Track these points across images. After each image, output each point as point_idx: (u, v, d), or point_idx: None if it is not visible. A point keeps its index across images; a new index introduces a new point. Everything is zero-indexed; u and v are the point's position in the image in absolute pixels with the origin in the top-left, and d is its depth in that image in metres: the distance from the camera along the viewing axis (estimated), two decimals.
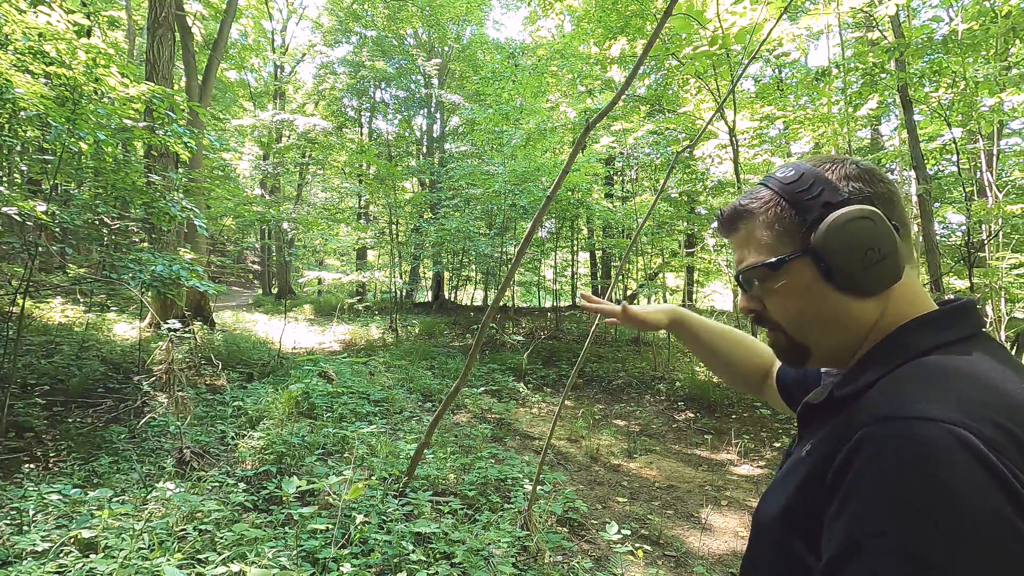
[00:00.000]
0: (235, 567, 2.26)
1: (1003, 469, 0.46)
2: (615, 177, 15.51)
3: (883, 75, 6.34)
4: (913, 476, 0.46)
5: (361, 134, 21.64)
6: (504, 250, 11.57)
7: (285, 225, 10.55)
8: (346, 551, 2.62)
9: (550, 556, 3.02)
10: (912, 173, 6.83)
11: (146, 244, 5.91)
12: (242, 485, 3.38)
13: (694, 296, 16.29)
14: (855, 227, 0.60)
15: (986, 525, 0.44)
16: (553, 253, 13.32)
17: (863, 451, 0.50)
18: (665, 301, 14.16)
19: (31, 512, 2.72)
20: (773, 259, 0.66)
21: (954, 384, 0.53)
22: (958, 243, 8.13)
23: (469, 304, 17.65)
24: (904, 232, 0.63)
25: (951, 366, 0.56)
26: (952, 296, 0.68)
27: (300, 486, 2.90)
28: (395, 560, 2.63)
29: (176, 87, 10.10)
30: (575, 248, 15.19)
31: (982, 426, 0.48)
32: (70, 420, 4.40)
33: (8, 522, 2.62)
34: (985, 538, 0.44)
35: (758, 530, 0.67)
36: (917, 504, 0.46)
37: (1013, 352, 4.96)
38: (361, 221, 18.94)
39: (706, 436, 6.00)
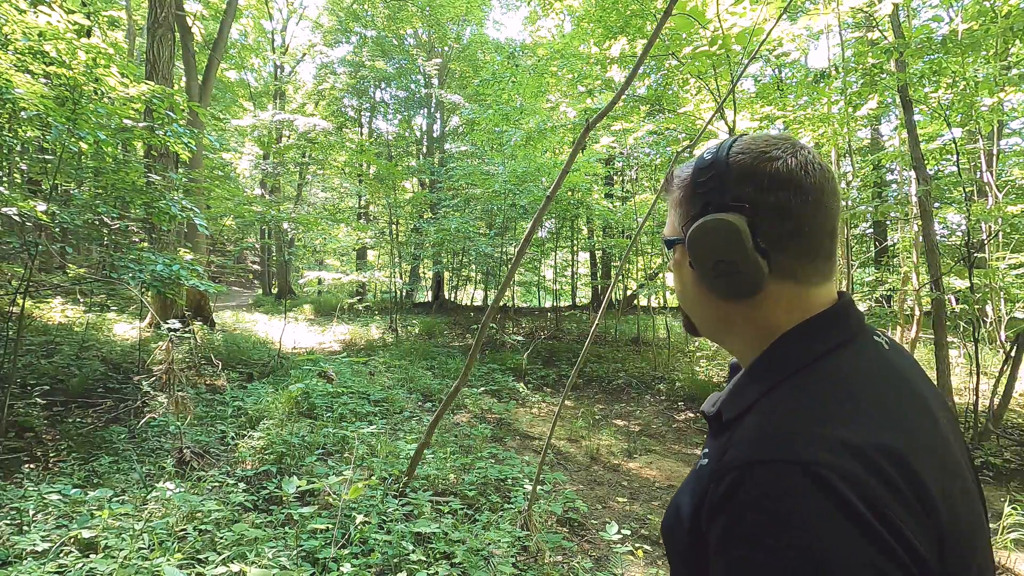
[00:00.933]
0: (235, 567, 2.26)
1: (855, 504, 0.47)
2: (615, 177, 15.51)
3: (883, 75, 6.34)
4: (774, 526, 0.48)
5: (361, 134, 21.63)
6: (504, 250, 11.57)
7: (285, 225, 10.55)
8: (346, 551, 2.62)
9: (550, 556, 3.02)
10: (912, 173, 6.83)
11: (146, 244, 5.91)
12: (242, 485, 3.38)
13: None
14: (710, 234, 0.62)
15: (840, 568, 0.46)
16: (553, 253, 13.32)
17: (732, 500, 0.52)
18: (665, 301, 14.15)
19: (31, 512, 2.72)
20: (668, 238, 0.72)
21: (814, 414, 0.54)
22: (958, 243, 8.13)
23: (469, 304, 17.65)
24: (782, 248, 0.61)
25: (822, 387, 0.57)
26: (839, 293, 0.66)
27: (300, 486, 2.90)
28: (395, 560, 2.63)
29: (176, 87, 10.10)
30: (575, 248, 15.19)
31: (837, 458, 0.49)
32: (70, 420, 4.40)
33: (8, 522, 2.62)
34: None
35: (666, 546, 0.68)
36: (778, 548, 0.47)
37: (1013, 352, 4.95)
38: (361, 221, 18.94)
39: (706, 436, 5.99)
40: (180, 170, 7.31)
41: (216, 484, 3.38)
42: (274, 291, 21.06)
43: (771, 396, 0.59)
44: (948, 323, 6.36)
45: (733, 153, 0.64)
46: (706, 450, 0.67)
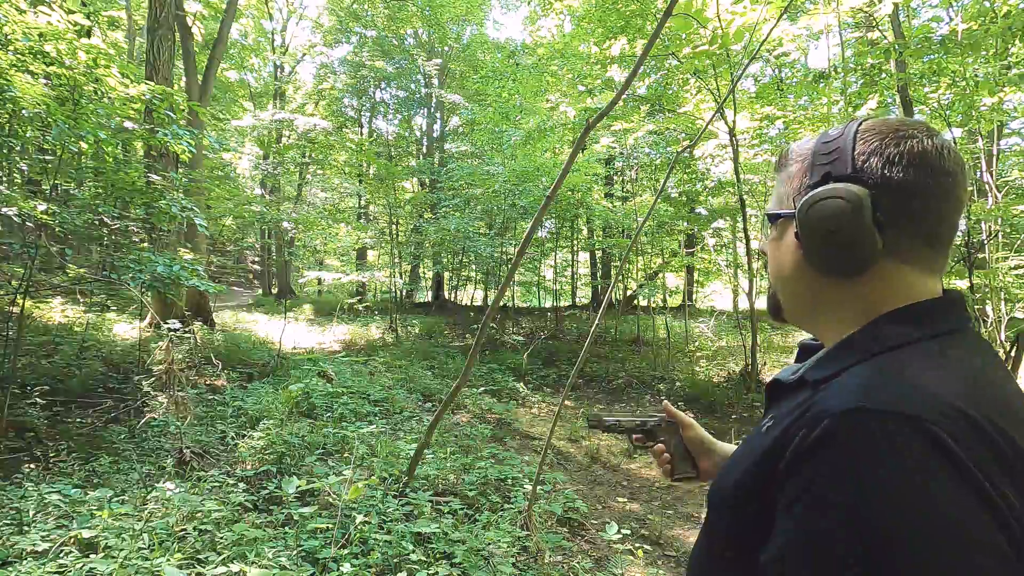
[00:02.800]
0: (235, 567, 2.26)
1: (963, 459, 0.46)
2: (615, 177, 15.50)
3: (883, 75, 6.34)
4: (876, 470, 0.47)
5: (361, 134, 21.62)
6: (504, 250, 11.57)
7: (285, 225, 10.55)
8: (346, 551, 2.62)
9: (550, 556, 3.02)
10: None
11: (146, 244, 5.91)
12: (242, 485, 3.38)
13: (694, 296, 16.28)
14: (825, 206, 0.60)
15: (945, 517, 0.45)
16: (553, 253, 13.32)
17: (827, 441, 0.50)
18: (665, 301, 14.15)
19: (31, 512, 2.72)
20: (774, 211, 0.70)
21: (923, 378, 0.53)
22: (958, 243, 8.12)
23: (469, 304, 17.64)
24: (900, 228, 0.59)
25: (924, 361, 0.55)
26: (945, 291, 0.63)
27: (300, 486, 2.90)
28: (395, 560, 2.63)
29: (176, 87, 10.10)
30: (575, 248, 15.19)
31: (946, 420, 0.48)
32: (70, 420, 4.40)
33: (8, 522, 2.62)
34: (943, 529, 0.44)
35: (711, 508, 0.67)
36: (878, 495, 0.46)
37: (1013, 352, 4.96)
38: (361, 221, 18.94)
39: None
40: (180, 170, 7.30)
41: (216, 484, 3.37)
42: (274, 291, 21.06)
43: (872, 362, 0.57)
44: None
45: (863, 129, 0.63)
46: (770, 415, 0.66)
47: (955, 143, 6.47)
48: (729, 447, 0.99)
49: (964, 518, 0.45)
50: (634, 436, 1.05)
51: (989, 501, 0.45)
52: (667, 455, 0.95)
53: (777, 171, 0.72)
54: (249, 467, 3.86)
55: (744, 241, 8.39)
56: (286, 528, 2.88)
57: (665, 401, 1.03)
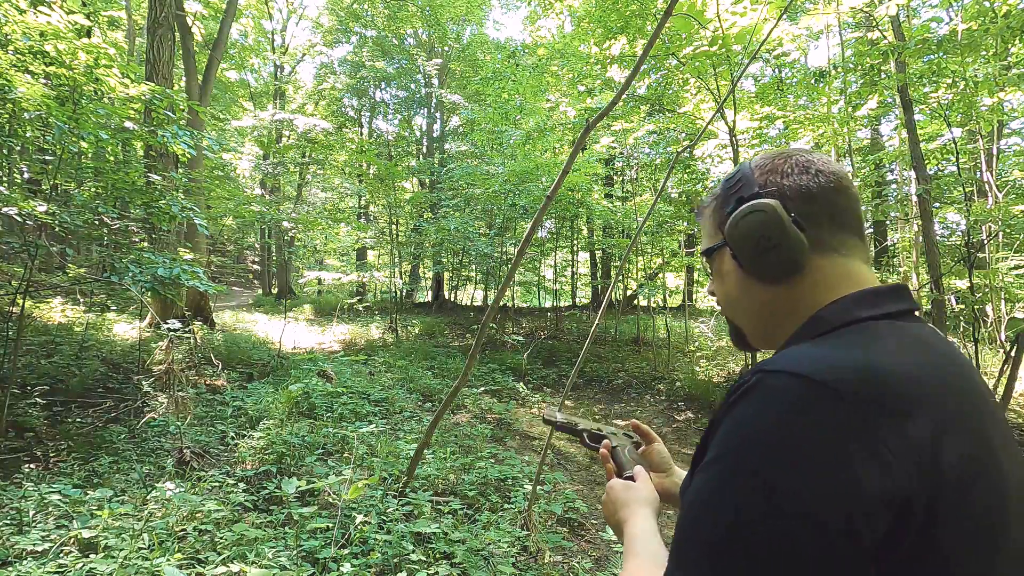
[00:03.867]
0: (235, 567, 2.26)
1: (829, 416, 0.49)
2: (615, 177, 15.51)
3: (883, 75, 6.34)
4: (763, 419, 0.51)
5: (361, 134, 21.62)
6: (504, 250, 11.57)
7: (285, 224, 10.55)
8: (346, 551, 2.62)
9: (550, 556, 3.02)
10: (912, 173, 6.83)
11: (146, 244, 5.91)
12: (242, 485, 3.38)
13: (694, 296, 16.27)
14: (748, 219, 0.66)
15: (815, 458, 0.47)
16: (553, 253, 13.32)
17: (736, 403, 0.55)
18: (665, 301, 14.16)
19: (31, 512, 2.72)
20: (706, 247, 0.76)
21: (839, 349, 0.56)
22: (958, 243, 8.13)
23: (469, 304, 17.64)
24: (816, 224, 0.65)
25: (851, 338, 0.58)
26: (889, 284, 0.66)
27: (300, 486, 2.90)
28: (395, 560, 2.63)
29: (176, 87, 10.10)
30: (575, 248, 15.19)
31: (841, 380, 0.50)
32: (70, 420, 4.40)
33: (8, 522, 2.62)
34: (810, 468, 0.47)
35: (682, 504, 0.68)
36: (763, 441, 0.50)
37: (1013, 352, 4.95)
38: (361, 221, 18.94)
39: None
40: (180, 170, 7.31)
41: (216, 484, 3.37)
42: (274, 291, 21.06)
43: (811, 341, 0.61)
44: (948, 323, 6.36)
45: (754, 161, 0.72)
46: None
47: (955, 143, 6.46)
48: (683, 472, 0.98)
49: (826, 458, 0.47)
50: (583, 439, 1.03)
51: (845, 459, 0.47)
52: (610, 463, 0.93)
53: (698, 218, 0.80)
54: (249, 467, 3.86)
55: None
56: (286, 528, 2.88)
57: (635, 421, 1.03)
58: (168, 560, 2.21)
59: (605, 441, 0.98)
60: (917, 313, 0.65)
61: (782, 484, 0.48)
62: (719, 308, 0.78)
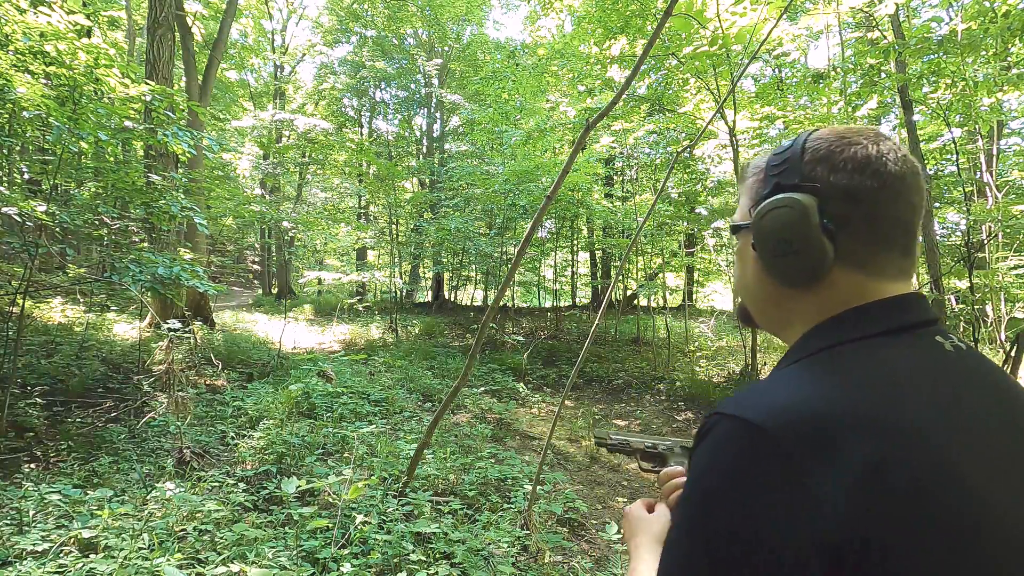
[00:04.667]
0: (235, 567, 2.26)
1: (771, 464, 0.49)
2: (615, 177, 15.51)
3: (883, 75, 6.34)
4: (709, 466, 0.53)
5: (361, 134, 21.63)
6: (504, 250, 11.57)
7: (285, 224, 10.56)
8: (346, 551, 2.62)
9: (550, 556, 3.02)
10: None
11: (146, 244, 5.91)
12: (242, 485, 3.38)
13: (694, 296, 16.27)
14: (775, 215, 0.61)
15: (752, 508, 0.48)
16: (553, 253, 13.32)
17: (697, 445, 0.56)
18: (665, 301, 14.15)
19: (31, 512, 2.72)
20: (734, 223, 0.71)
21: (797, 382, 0.55)
22: (958, 243, 8.13)
23: (469, 304, 17.65)
24: (852, 232, 0.59)
25: (813, 369, 0.56)
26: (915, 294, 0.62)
27: (300, 486, 2.90)
28: (395, 560, 2.63)
29: (176, 87, 10.10)
30: (575, 248, 15.19)
31: (780, 424, 0.50)
32: (70, 420, 4.40)
33: (8, 522, 2.62)
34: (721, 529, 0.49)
35: None
36: (712, 490, 0.52)
37: (1013, 352, 4.95)
38: (361, 221, 18.94)
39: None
40: (180, 170, 7.31)
41: (216, 484, 3.37)
42: (274, 291, 21.05)
43: (782, 370, 0.59)
44: (948, 323, 6.35)
45: (812, 138, 0.63)
46: None
47: (955, 143, 6.46)
48: None
49: (735, 523, 0.49)
50: (641, 460, 1.00)
51: (777, 508, 0.47)
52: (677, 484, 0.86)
53: (739, 184, 0.74)
54: (249, 467, 3.86)
55: None
56: (286, 528, 2.88)
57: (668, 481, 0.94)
58: (168, 560, 2.21)
59: (667, 470, 0.92)
60: (928, 325, 0.60)
61: (723, 532, 0.50)
62: (732, 292, 0.77)
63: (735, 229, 0.71)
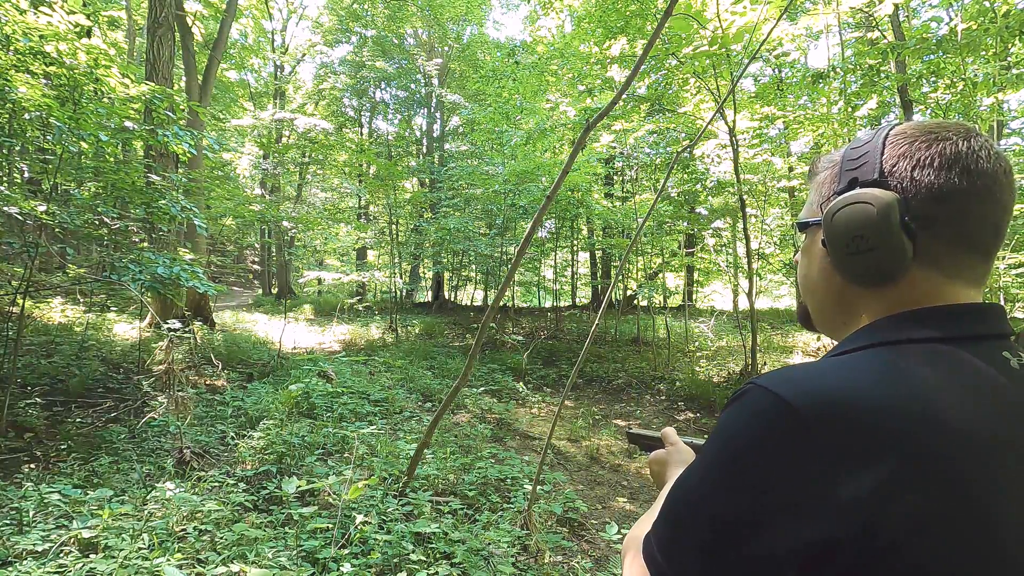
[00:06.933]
0: (235, 567, 2.26)
1: (784, 440, 0.48)
2: (615, 177, 15.51)
3: (882, 75, 6.34)
4: (738, 430, 0.53)
5: (361, 134, 21.64)
6: (504, 250, 11.57)
7: (285, 224, 10.56)
8: (346, 551, 2.62)
9: (550, 556, 3.02)
10: None
11: (146, 244, 5.91)
12: (242, 485, 3.38)
13: (694, 296, 16.27)
14: (851, 210, 0.58)
15: (763, 478, 0.48)
16: (553, 253, 13.32)
17: (727, 407, 0.56)
18: (665, 301, 14.15)
19: (31, 512, 2.72)
20: (802, 220, 0.69)
21: (846, 371, 0.52)
22: None
23: (469, 304, 17.65)
24: (934, 232, 0.56)
25: (873, 357, 0.54)
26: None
27: (300, 486, 2.90)
28: (395, 560, 2.63)
29: (176, 87, 10.10)
30: (575, 248, 15.19)
31: (815, 409, 0.48)
32: (70, 420, 4.40)
33: (8, 522, 2.62)
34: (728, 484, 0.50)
35: None
36: (731, 448, 0.52)
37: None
38: (361, 221, 18.94)
39: (706, 436, 5.99)
40: (180, 170, 7.31)
41: (216, 484, 3.38)
42: (274, 291, 21.06)
43: (824, 359, 0.58)
44: None
45: (894, 133, 0.60)
46: None
47: None
48: None
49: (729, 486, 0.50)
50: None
51: (785, 489, 0.47)
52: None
53: (809, 179, 0.71)
54: (249, 467, 3.86)
55: (744, 241, 8.38)
56: (286, 528, 2.88)
57: (668, 429, 0.97)
58: (168, 560, 2.21)
59: (668, 428, 0.99)
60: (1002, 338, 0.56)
61: (728, 485, 0.50)
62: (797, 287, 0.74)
63: (803, 226, 0.68)
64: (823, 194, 0.66)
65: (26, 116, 4.28)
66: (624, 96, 9.34)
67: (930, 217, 0.56)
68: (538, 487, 3.47)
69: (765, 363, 7.85)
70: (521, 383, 7.91)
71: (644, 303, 11.90)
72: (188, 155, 5.61)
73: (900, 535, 0.44)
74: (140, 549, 2.34)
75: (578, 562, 3.06)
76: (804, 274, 0.70)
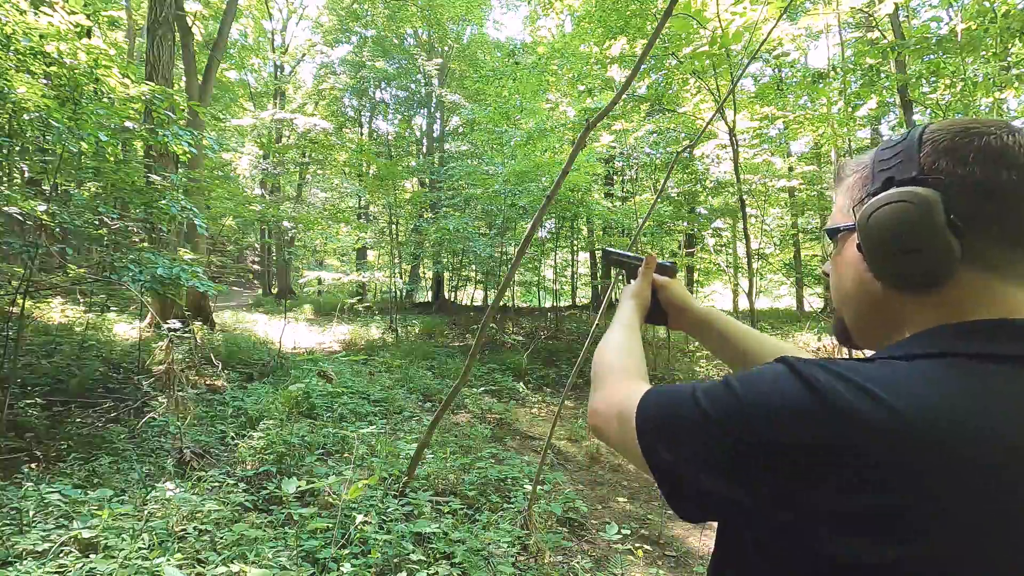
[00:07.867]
0: (235, 567, 2.26)
1: (811, 377, 0.49)
2: (615, 177, 15.51)
3: (882, 75, 6.34)
4: (766, 379, 0.52)
5: (361, 134, 21.64)
6: (504, 250, 11.57)
7: (285, 224, 10.57)
8: (346, 551, 2.62)
9: (550, 556, 3.02)
10: None
11: (146, 244, 5.91)
12: (242, 485, 3.38)
13: (694, 296, 16.22)
14: (890, 210, 0.54)
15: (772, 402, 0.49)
16: (553, 253, 13.32)
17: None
18: None
19: (31, 512, 2.72)
20: (832, 226, 0.65)
21: (923, 384, 0.48)
22: None
23: (469, 304, 17.65)
24: (982, 231, 0.52)
25: (938, 370, 0.50)
26: None
27: (300, 486, 2.90)
28: (395, 560, 2.63)
29: (176, 87, 10.10)
30: (575, 248, 15.19)
31: (839, 387, 0.48)
32: (70, 420, 4.40)
33: (8, 522, 2.62)
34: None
35: None
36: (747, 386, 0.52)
37: None
38: (361, 221, 18.94)
39: None
40: (180, 170, 7.31)
41: (216, 484, 3.38)
42: (274, 291, 21.06)
43: (883, 363, 0.53)
44: None
45: (931, 130, 0.56)
46: None
47: None
48: (700, 306, 1.06)
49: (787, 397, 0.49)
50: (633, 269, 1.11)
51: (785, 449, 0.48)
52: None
53: (836, 184, 0.67)
54: (249, 467, 3.86)
55: (744, 241, 8.38)
56: (286, 528, 2.88)
57: (651, 253, 1.07)
58: (168, 560, 2.21)
59: (650, 253, 1.07)
60: None
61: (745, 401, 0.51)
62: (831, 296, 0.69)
63: (832, 233, 0.64)
64: (854, 197, 0.61)
65: (26, 116, 4.27)
66: (624, 96, 9.33)
67: (976, 214, 0.52)
68: (538, 487, 3.47)
69: None
70: (521, 383, 7.91)
71: None
72: (188, 155, 5.61)
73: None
74: (140, 549, 2.34)
75: (578, 562, 3.06)
76: (837, 285, 0.65)
